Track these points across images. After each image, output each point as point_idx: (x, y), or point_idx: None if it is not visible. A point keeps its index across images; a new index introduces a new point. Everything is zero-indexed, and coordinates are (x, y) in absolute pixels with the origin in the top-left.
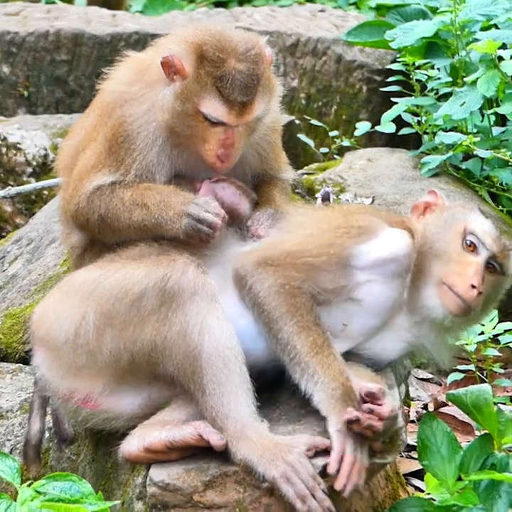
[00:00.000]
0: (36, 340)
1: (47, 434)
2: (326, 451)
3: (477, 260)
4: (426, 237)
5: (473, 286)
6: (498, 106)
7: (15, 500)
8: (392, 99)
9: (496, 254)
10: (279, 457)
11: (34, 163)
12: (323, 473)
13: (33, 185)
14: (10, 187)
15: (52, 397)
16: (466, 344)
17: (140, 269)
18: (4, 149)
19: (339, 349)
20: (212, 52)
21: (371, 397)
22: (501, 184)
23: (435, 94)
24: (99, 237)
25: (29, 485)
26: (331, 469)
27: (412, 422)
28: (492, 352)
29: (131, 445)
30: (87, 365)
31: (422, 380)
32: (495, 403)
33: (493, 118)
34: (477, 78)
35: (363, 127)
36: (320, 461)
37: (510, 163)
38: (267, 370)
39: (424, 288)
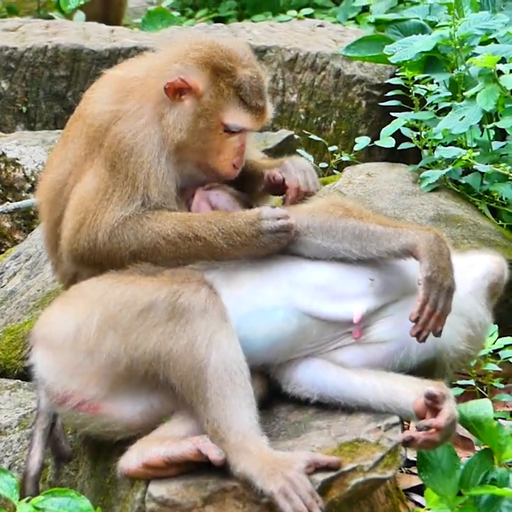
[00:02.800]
0: (36, 338)
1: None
2: (326, 468)
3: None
4: None
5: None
6: (497, 120)
7: None
8: (392, 113)
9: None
10: (279, 472)
11: (33, 178)
12: (322, 490)
13: (31, 200)
14: (8, 202)
15: (49, 401)
16: None
17: (153, 282)
18: (3, 165)
19: (368, 306)
20: (224, 64)
21: (432, 400)
22: (501, 199)
23: (434, 108)
24: (111, 269)
25: (27, 501)
26: (412, 316)
27: None
28: (492, 367)
29: (130, 461)
30: (83, 365)
31: None
32: (495, 418)
33: (492, 132)
34: (476, 92)
35: (362, 142)
36: (319, 477)
37: (510, 178)
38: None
39: None
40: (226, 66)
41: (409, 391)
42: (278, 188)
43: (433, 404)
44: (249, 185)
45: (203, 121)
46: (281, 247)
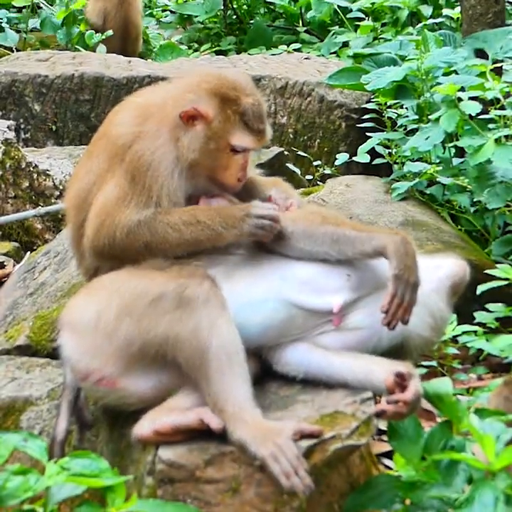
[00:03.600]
0: (63, 323)
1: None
2: (309, 435)
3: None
4: None
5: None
6: (457, 140)
7: (43, 475)
8: (367, 133)
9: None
10: (269, 439)
11: (61, 187)
12: (307, 454)
13: (60, 205)
14: (40, 207)
15: (74, 377)
16: None
17: (163, 276)
18: (35, 175)
19: (346, 298)
20: (230, 94)
21: (400, 378)
22: (460, 207)
23: (404, 129)
24: (129, 262)
25: (55, 462)
26: (383, 308)
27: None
28: (452, 350)
29: (143, 428)
30: (103, 346)
31: None
32: (454, 394)
33: (453, 150)
34: (440, 116)
35: (342, 158)
36: (304, 443)
37: (467, 189)
38: (263, 350)
39: None
40: (232, 95)
41: (381, 370)
42: None
43: (401, 381)
44: (252, 197)
45: (213, 143)
46: (267, 235)
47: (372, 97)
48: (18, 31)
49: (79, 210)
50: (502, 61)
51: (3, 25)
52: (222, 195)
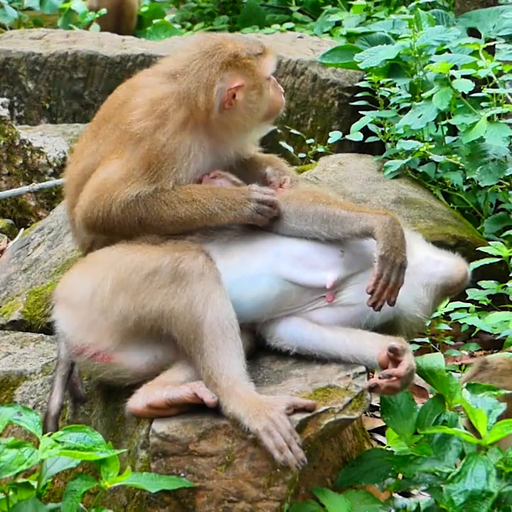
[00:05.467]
0: (58, 298)
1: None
2: (303, 409)
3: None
4: None
5: None
6: (450, 118)
7: (37, 449)
8: (360, 112)
9: None
10: (263, 413)
11: (54, 164)
12: (300, 428)
13: (53, 182)
14: (34, 183)
15: (68, 352)
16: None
17: (158, 250)
18: (29, 153)
19: (339, 274)
20: (239, 52)
21: (394, 353)
22: (452, 185)
23: (396, 108)
24: (121, 237)
25: (49, 436)
26: (368, 288)
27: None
28: (444, 327)
29: (137, 402)
30: (98, 321)
31: None
32: (446, 370)
33: (446, 128)
34: (432, 94)
35: (335, 136)
36: (297, 417)
37: (460, 167)
38: (257, 326)
39: None
40: (235, 49)
41: (374, 345)
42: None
43: (395, 356)
44: (248, 174)
45: (256, 93)
46: (265, 219)
47: (365, 75)
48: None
49: (81, 187)
50: (495, 40)
51: (2, 2)
52: (225, 175)
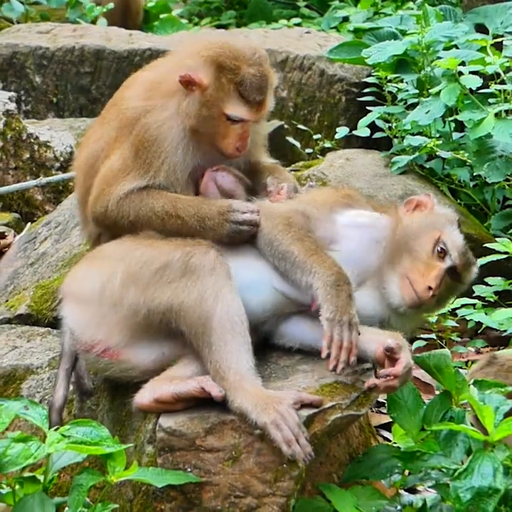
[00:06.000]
0: (65, 294)
1: (71, 388)
2: (309, 405)
3: (441, 266)
4: (406, 231)
5: (430, 288)
6: (457, 114)
7: (43, 443)
8: (367, 107)
9: (458, 265)
10: (271, 406)
11: (61, 158)
12: (307, 424)
13: (61, 176)
14: (41, 177)
15: (76, 349)
16: (429, 316)
17: (169, 244)
18: (36, 147)
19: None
20: (228, 62)
21: (390, 352)
22: (459, 181)
23: (404, 103)
24: (118, 232)
25: (56, 429)
26: (323, 353)
27: None
28: (451, 323)
29: (144, 396)
30: (108, 316)
31: None
32: (453, 366)
33: (453, 124)
34: (440, 90)
35: (342, 131)
36: (304, 413)
37: (467, 163)
38: (259, 325)
39: (390, 274)
40: (230, 64)
41: (371, 341)
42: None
43: (391, 354)
44: (254, 180)
45: (206, 109)
46: (244, 238)
47: (372, 71)
48: (21, 3)
49: (86, 176)
50: (502, 36)
51: None
52: (227, 169)
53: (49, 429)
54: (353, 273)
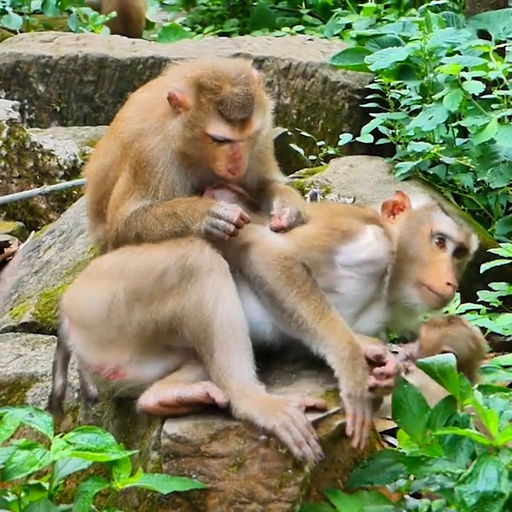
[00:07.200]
0: (70, 321)
1: (75, 395)
2: (313, 408)
3: (447, 256)
4: (401, 243)
5: (449, 284)
6: (460, 119)
7: (49, 450)
8: (371, 114)
9: (462, 242)
10: (279, 410)
11: (65, 167)
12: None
13: (64, 184)
14: (45, 185)
15: (82, 368)
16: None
17: (161, 250)
18: (40, 155)
19: None
20: (209, 82)
21: (378, 358)
22: (463, 187)
23: (407, 110)
24: None
25: (61, 437)
26: (348, 431)
27: None
28: None
29: (148, 399)
30: (117, 338)
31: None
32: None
33: (456, 130)
34: (443, 96)
35: (345, 138)
36: (310, 418)
37: (470, 169)
38: (270, 343)
39: (405, 288)
40: (210, 84)
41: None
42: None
43: (379, 360)
44: (264, 201)
45: (189, 131)
46: (221, 235)
47: (375, 77)
48: (20, 13)
49: (98, 187)
50: (505, 42)
51: (6, 8)
52: (226, 186)
53: (58, 424)
54: (357, 309)
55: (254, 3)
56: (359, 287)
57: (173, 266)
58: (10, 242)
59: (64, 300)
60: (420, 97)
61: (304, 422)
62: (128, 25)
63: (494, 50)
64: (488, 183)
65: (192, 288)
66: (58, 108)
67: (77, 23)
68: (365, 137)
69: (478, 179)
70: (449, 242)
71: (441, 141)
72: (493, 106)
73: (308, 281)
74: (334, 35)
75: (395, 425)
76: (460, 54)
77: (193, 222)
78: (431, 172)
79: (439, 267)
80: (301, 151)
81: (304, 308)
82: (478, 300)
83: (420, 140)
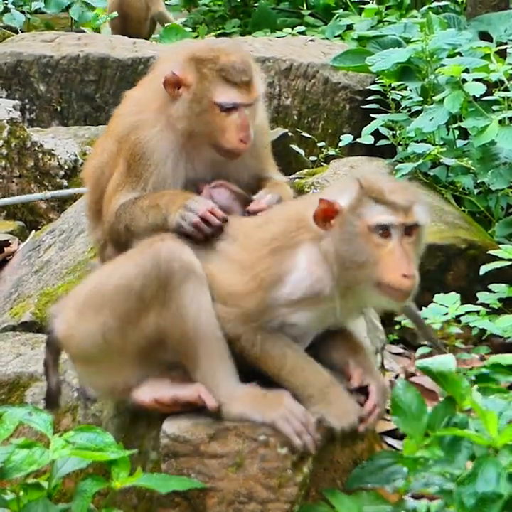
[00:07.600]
0: (71, 357)
1: (75, 394)
2: None
3: (394, 244)
4: (342, 255)
5: (405, 276)
6: (461, 121)
7: (48, 449)
8: (371, 115)
9: (404, 221)
10: (275, 403)
11: (66, 166)
12: None
13: (66, 191)
14: (46, 191)
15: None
16: (433, 323)
17: (129, 265)
18: (41, 155)
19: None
20: (206, 54)
21: (360, 390)
22: (463, 188)
23: (408, 111)
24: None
25: (60, 436)
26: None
27: None
28: (455, 330)
29: (144, 394)
30: (121, 362)
31: (395, 354)
32: (457, 372)
33: (457, 132)
34: (444, 97)
35: (346, 139)
36: None
37: (471, 171)
38: None
39: (364, 294)
40: (208, 55)
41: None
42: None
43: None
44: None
45: (196, 105)
46: (191, 231)
47: (376, 78)
48: (22, 13)
49: (95, 186)
50: (506, 43)
51: (8, 6)
52: (224, 185)
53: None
54: (325, 324)
55: (256, 4)
56: (312, 315)
57: (149, 278)
58: (10, 242)
59: (59, 334)
60: (421, 99)
61: (301, 411)
62: (126, 24)
63: (495, 52)
64: (489, 185)
65: (169, 297)
66: (59, 108)
67: (79, 11)
68: (366, 138)
69: (478, 181)
70: (391, 228)
71: (441, 143)
72: (494, 107)
73: (279, 341)
74: (335, 36)
75: (394, 426)
76: (461, 55)
77: (169, 215)
78: (431, 173)
79: (389, 260)
80: (301, 151)
81: (292, 376)
82: (478, 302)
83: (421, 141)
